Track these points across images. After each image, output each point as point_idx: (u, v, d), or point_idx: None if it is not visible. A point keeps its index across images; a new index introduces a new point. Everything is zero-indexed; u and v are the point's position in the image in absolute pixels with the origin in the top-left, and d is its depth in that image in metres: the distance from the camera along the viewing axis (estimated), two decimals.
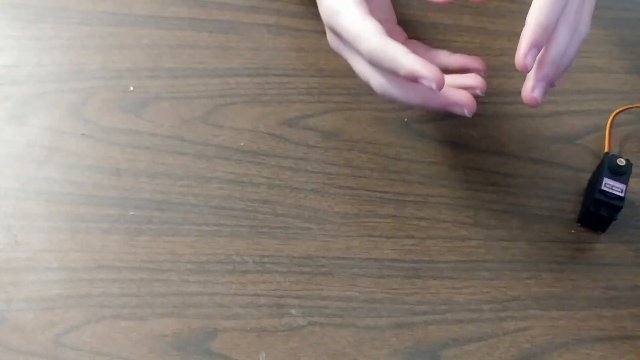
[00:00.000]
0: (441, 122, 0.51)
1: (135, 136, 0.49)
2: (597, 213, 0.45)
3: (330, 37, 0.46)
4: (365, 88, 0.52)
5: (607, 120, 0.51)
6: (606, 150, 0.50)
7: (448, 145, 0.50)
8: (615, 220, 0.46)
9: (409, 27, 0.56)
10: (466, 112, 0.42)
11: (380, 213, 0.47)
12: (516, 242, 0.47)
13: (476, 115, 0.51)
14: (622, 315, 0.44)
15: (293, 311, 0.43)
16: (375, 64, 0.42)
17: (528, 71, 0.41)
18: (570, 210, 0.48)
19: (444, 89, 0.42)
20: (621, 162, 0.46)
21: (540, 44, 0.40)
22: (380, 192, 0.48)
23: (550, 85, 0.43)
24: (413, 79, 0.40)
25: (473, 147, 0.50)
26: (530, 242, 0.47)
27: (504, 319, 0.44)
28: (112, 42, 0.53)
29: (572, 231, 0.47)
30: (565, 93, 0.53)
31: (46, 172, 0.47)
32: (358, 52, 0.42)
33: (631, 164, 0.46)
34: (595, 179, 0.47)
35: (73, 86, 0.51)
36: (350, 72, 0.47)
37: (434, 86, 0.40)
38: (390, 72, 0.42)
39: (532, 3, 0.41)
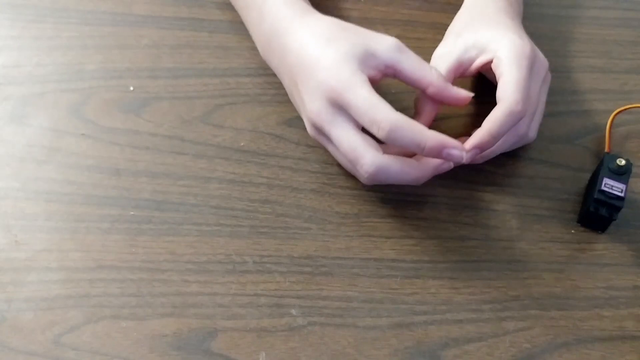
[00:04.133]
0: (441, 122, 0.51)
1: (135, 136, 0.49)
2: (597, 213, 0.45)
3: (321, 111, 0.43)
4: None
5: (607, 120, 0.51)
6: (606, 150, 0.50)
7: None
8: (615, 220, 0.46)
9: (409, 27, 0.56)
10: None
11: (380, 213, 0.47)
12: (516, 242, 0.47)
13: (476, 115, 0.51)
14: (622, 315, 0.44)
15: (293, 311, 0.43)
16: (394, 137, 0.41)
17: (462, 161, 0.43)
18: (570, 210, 0.48)
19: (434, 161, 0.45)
20: (621, 162, 0.46)
21: (484, 148, 0.44)
22: (380, 192, 0.48)
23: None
24: (438, 151, 0.42)
25: None
26: (530, 242, 0.47)
27: (504, 319, 0.44)
28: (112, 42, 0.53)
29: (572, 231, 0.47)
30: (565, 93, 0.53)
31: (46, 172, 0.47)
32: (373, 124, 0.42)
33: (631, 164, 0.46)
34: (595, 179, 0.47)
35: (73, 86, 0.51)
36: None
37: (464, 156, 0.42)
38: (401, 148, 0.43)
39: (492, 111, 0.44)
